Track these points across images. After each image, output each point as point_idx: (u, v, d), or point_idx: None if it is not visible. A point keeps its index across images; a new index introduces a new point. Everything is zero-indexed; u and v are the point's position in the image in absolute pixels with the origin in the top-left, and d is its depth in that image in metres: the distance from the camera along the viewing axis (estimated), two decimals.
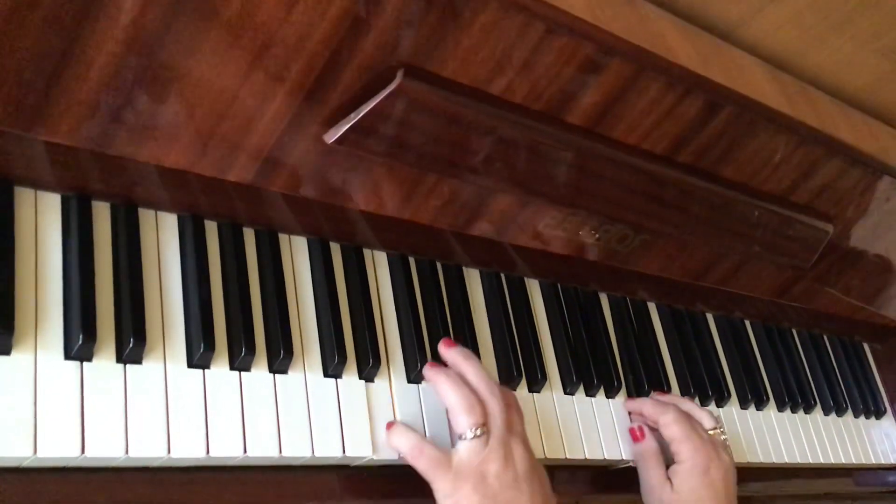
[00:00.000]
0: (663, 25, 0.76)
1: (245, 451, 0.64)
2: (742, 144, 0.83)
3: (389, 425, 0.72)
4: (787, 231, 0.95)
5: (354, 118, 0.63)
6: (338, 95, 0.62)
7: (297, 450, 0.67)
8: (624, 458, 0.89)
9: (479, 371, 0.74)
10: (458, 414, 0.71)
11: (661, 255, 0.93)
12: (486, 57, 0.65)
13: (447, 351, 0.77)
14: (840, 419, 1.20)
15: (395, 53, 0.62)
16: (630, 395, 0.94)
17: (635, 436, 0.89)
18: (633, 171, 0.80)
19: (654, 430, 0.89)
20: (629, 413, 0.92)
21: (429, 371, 0.75)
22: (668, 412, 0.88)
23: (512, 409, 0.74)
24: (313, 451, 0.67)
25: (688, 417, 0.89)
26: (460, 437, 0.70)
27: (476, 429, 0.70)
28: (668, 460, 0.88)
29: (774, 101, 0.81)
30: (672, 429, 0.87)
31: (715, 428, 0.90)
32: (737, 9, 0.80)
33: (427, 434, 0.74)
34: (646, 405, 0.90)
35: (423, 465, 0.69)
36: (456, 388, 0.72)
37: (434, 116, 0.66)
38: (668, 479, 0.85)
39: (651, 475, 0.86)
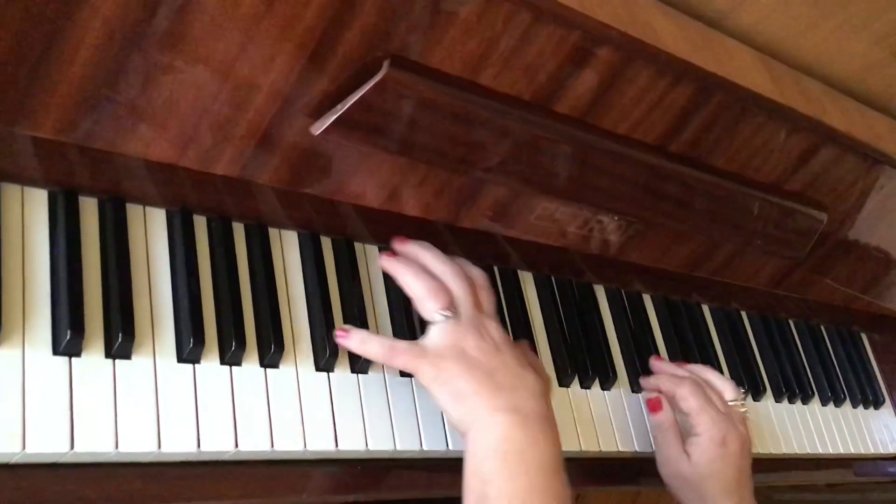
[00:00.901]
0: (652, 13, 0.75)
1: (236, 445, 0.64)
2: (733, 133, 0.83)
3: (342, 330, 0.70)
4: (781, 220, 0.95)
5: (341, 109, 0.63)
6: (324, 87, 0.62)
7: (289, 444, 0.66)
8: (621, 449, 0.88)
9: (439, 257, 0.74)
10: (424, 300, 0.71)
11: (655, 246, 0.93)
12: (473, 46, 0.65)
13: (403, 247, 0.76)
14: (838, 409, 1.20)
15: (381, 44, 0.61)
16: (626, 388, 0.94)
17: (653, 406, 0.89)
18: (624, 161, 0.79)
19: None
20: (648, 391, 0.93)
21: (386, 261, 0.74)
22: (684, 385, 0.88)
23: (481, 290, 0.74)
24: (305, 446, 0.67)
25: (703, 389, 0.88)
26: (430, 323, 0.71)
27: (444, 311, 0.70)
28: (685, 433, 0.88)
29: (765, 89, 0.81)
30: (689, 402, 0.87)
31: (735, 400, 0.90)
32: None
33: (421, 427, 0.74)
34: (662, 381, 0.91)
35: (402, 360, 0.69)
36: (418, 277, 0.72)
37: (421, 107, 0.65)
38: (686, 451, 0.86)
39: (669, 447, 0.86)
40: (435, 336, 0.70)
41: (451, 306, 0.71)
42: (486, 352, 0.70)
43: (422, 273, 0.73)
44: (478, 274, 0.76)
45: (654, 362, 0.95)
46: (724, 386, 0.91)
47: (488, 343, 0.70)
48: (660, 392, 0.91)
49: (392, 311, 0.79)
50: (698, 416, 0.86)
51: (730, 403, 0.89)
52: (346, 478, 0.71)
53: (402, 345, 0.69)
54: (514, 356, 0.71)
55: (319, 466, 0.70)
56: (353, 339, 0.70)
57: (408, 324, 0.78)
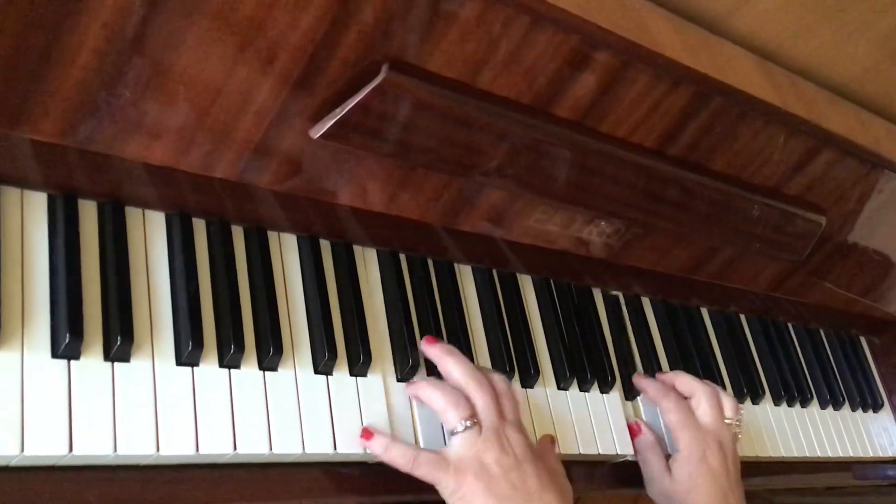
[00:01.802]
0: (650, 17, 0.75)
1: (235, 448, 0.64)
2: (732, 136, 0.83)
3: (366, 433, 0.70)
4: (780, 223, 0.95)
5: (340, 113, 0.63)
6: (323, 90, 0.62)
7: (287, 447, 0.66)
8: (619, 452, 0.88)
9: (462, 365, 0.74)
10: (446, 412, 0.71)
11: (654, 249, 0.93)
12: (472, 50, 0.65)
13: (429, 348, 0.76)
14: (837, 413, 1.20)
15: (381, 47, 0.62)
16: (624, 391, 0.94)
17: (633, 431, 0.90)
18: (623, 164, 0.80)
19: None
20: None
21: (409, 388, 0.75)
22: (669, 399, 0.89)
23: (503, 397, 0.74)
24: (304, 448, 0.67)
25: (685, 404, 0.89)
26: (452, 433, 0.70)
27: (465, 421, 0.70)
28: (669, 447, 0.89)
29: (763, 93, 0.81)
30: (669, 417, 0.89)
31: (731, 419, 0.90)
32: None
33: (419, 430, 0.74)
34: (651, 387, 0.92)
35: (423, 471, 0.69)
36: (438, 390, 0.72)
37: (420, 111, 0.66)
38: (668, 468, 0.87)
39: (651, 466, 0.88)
40: (457, 446, 0.70)
41: (473, 416, 0.71)
42: (508, 467, 0.69)
43: (440, 385, 0.73)
44: (500, 381, 0.76)
45: (636, 380, 0.94)
46: (726, 402, 0.91)
47: (510, 458, 0.70)
48: (647, 395, 0.92)
49: (390, 314, 0.79)
50: (678, 431, 0.87)
51: (726, 420, 0.90)
52: (344, 481, 0.71)
53: (425, 456, 0.69)
54: (535, 471, 0.71)
55: (318, 469, 0.70)
56: (376, 444, 0.70)
57: (406, 328, 0.78)
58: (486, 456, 0.69)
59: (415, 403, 0.75)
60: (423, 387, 0.73)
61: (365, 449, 0.70)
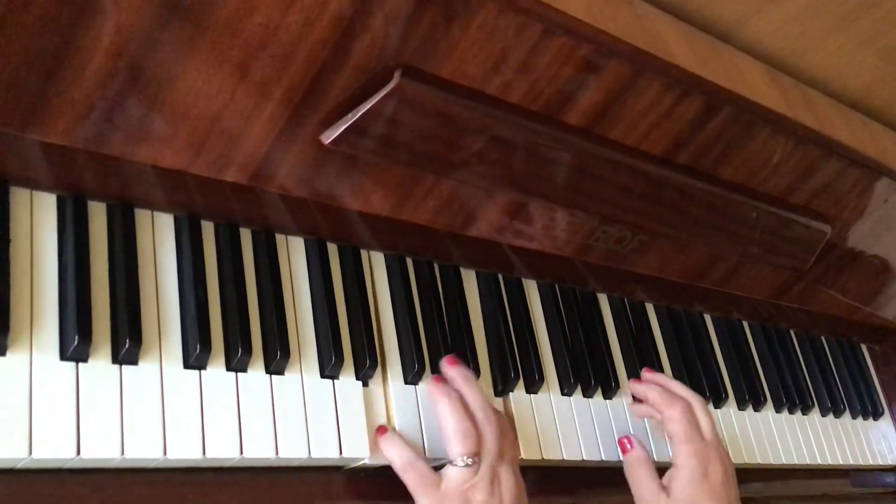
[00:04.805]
0: (661, 26, 0.75)
1: (242, 452, 0.64)
2: (740, 145, 0.83)
3: (381, 430, 0.72)
4: (785, 232, 0.95)
5: (351, 119, 0.63)
6: (334, 96, 0.62)
7: (293, 451, 0.66)
8: (621, 459, 0.88)
9: (478, 396, 0.74)
10: (454, 441, 0.71)
11: (659, 256, 0.93)
12: (483, 57, 0.65)
13: (450, 368, 0.77)
14: (838, 420, 1.20)
15: (393, 54, 0.61)
16: (628, 397, 0.94)
17: (624, 447, 0.87)
18: (631, 172, 0.80)
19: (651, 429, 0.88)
20: (632, 396, 0.90)
21: (434, 387, 0.75)
22: (676, 406, 0.84)
23: (505, 437, 0.74)
24: (310, 453, 0.67)
25: (693, 416, 0.85)
26: (451, 463, 0.71)
27: (468, 458, 0.70)
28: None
29: (772, 102, 0.81)
30: (677, 426, 0.84)
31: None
32: (735, 9, 0.80)
33: (424, 434, 0.74)
34: (653, 392, 0.87)
35: (412, 480, 0.69)
36: (455, 414, 0.72)
37: (431, 117, 0.66)
38: (664, 487, 0.82)
39: (643, 486, 0.83)
40: (452, 477, 0.70)
41: (476, 454, 0.71)
42: None
43: (459, 409, 0.72)
44: (503, 419, 0.76)
45: (646, 373, 0.92)
46: (701, 416, 0.86)
47: (496, 501, 0.70)
48: (647, 400, 0.88)
49: (397, 319, 0.79)
50: (682, 445, 0.83)
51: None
52: (350, 485, 0.71)
53: (421, 467, 0.70)
54: None
55: (324, 473, 0.70)
56: (386, 439, 0.71)
57: (412, 331, 0.78)
58: (475, 495, 0.69)
59: (421, 411, 0.75)
60: (444, 401, 0.73)
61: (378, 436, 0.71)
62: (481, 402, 0.74)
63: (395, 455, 0.70)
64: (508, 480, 0.72)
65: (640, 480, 0.83)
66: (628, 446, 0.86)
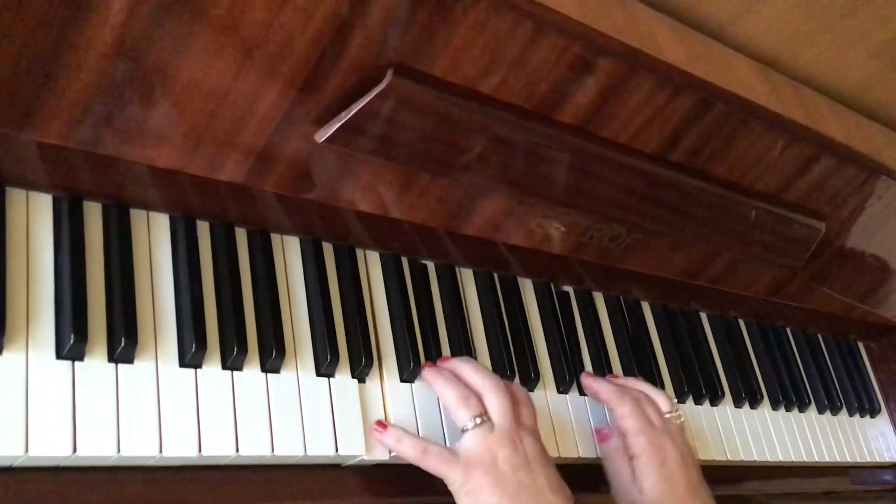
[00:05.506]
0: (653, 24, 0.76)
1: (237, 450, 0.64)
2: (733, 143, 0.83)
3: (381, 425, 0.72)
4: (780, 229, 0.95)
5: (345, 117, 0.63)
6: (328, 95, 0.62)
7: (289, 449, 0.67)
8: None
9: (476, 368, 0.75)
10: (456, 409, 0.72)
11: (654, 254, 0.93)
12: (476, 56, 0.65)
13: (445, 361, 0.78)
14: (835, 418, 1.20)
15: (385, 53, 0.62)
16: None
17: (602, 436, 0.87)
18: (624, 170, 0.80)
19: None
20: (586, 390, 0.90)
21: (426, 371, 0.76)
22: (625, 403, 0.85)
23: (522, 405, 0.75)
24: (306, 451, 0.67)
25: (642, 409, 0.86)
26: (463, 430, 0.71)
27: (476, 418, 0.70)
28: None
29: (765, 100, 0.81)
30: (627, 422, 0.84)
31: (671, 412, 0.88)
32: (727, 7, 0.81)
33: (420, 433, 0.74)
34: (603, 389, 0.88)
35: (433, 463, 0.69)
36: (450, 386, 0.73)
37: (424, 115, 0.66)
38: (635, 478, 0.83)
39: (620, 476, 0.84)
40: (467, 443, 0.70)
41: (483, 414, 0.71)
42: (517, 466, 0.69)
43: (455, 381, 0.73)
44: (520, 390, 0.77)
45: (584, 380, 0.91)
46: (659, 398, 0.88)
47: (520, 457, 0.70)
48: (598, 397, 0.88)
49: (392, 317, 0.80)
50: (635, 437, 0.83)
51: (666, 416, 0.87)
52: (346, 483, 0.71)
53: (435, 448, 0.70)
54: (545, 475, 0.71)
55: (320, 471, 0.70)
56: (389, 436, 0.71)
57: (408, 329, 0.79)
58: (497, 453, 0.69)
59: (417, 406, 0.76)
60: (437, 379, 0.74)
61: (378, 438, 0.71)
62: (479, 371, 0.75)
63: (406, 448, 0.70)
64: (530, 441, 0.72)
65: (618, 470, 0.84)
66: (608, 435, 0.87)
